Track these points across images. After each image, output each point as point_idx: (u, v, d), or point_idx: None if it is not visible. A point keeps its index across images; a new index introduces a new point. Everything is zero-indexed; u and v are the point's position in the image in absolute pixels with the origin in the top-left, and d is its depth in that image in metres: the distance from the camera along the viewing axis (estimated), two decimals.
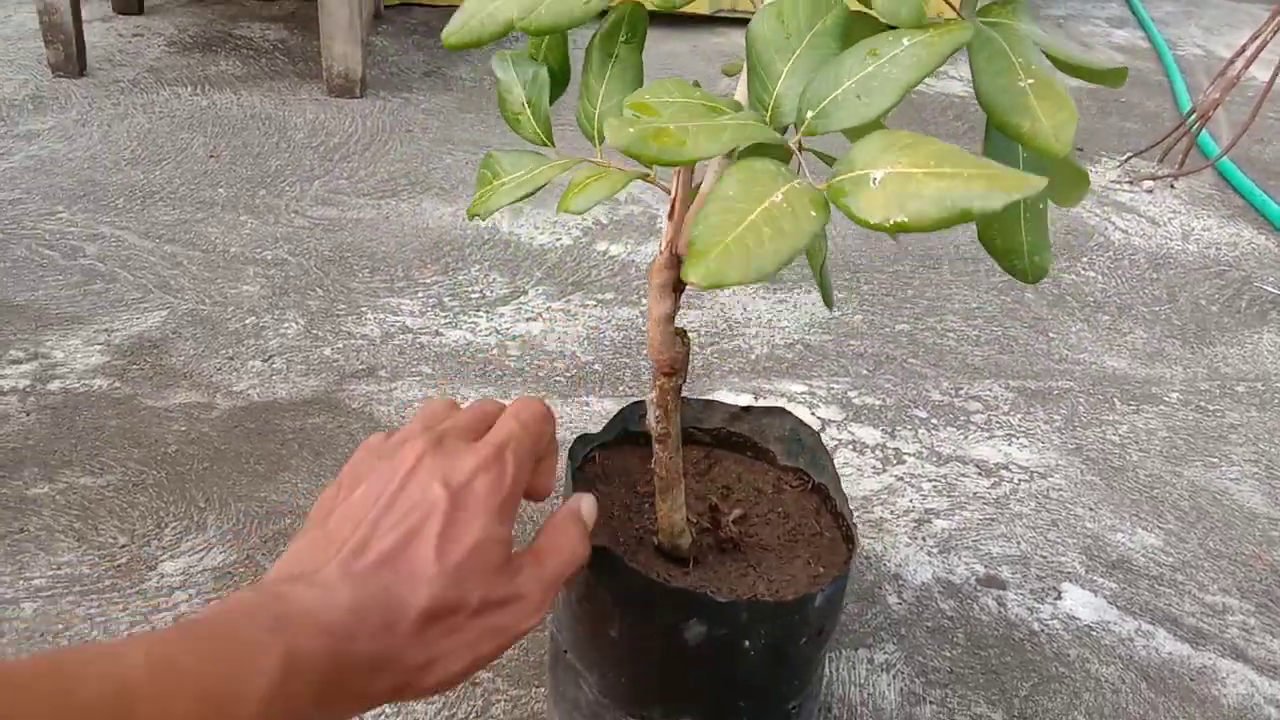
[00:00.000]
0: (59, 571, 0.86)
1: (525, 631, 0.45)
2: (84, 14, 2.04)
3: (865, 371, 1.23)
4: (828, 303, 0.62)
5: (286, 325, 1.22)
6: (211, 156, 1.64)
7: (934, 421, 1.15)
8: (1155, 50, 2.73)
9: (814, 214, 0.42)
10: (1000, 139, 0.46)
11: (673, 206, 0.52)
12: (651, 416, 0.59)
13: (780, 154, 0.52)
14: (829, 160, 0.51)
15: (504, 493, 0.44)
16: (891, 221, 0.40)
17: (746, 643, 0.58)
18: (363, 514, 0.42)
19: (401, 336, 1.21)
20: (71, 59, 1.88)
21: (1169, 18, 3.12)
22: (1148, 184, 1.87)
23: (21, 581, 0.85)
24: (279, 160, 1.64)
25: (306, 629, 0.36)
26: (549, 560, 0.47)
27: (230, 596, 0.38)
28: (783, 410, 0.72)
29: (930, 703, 0.80)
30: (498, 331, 1.24)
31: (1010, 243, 0.49)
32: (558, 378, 1.16)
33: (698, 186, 0.53)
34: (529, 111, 0.59)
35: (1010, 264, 0.49)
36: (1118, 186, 1.84)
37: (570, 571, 0.49)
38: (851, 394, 1.18)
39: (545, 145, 0.59)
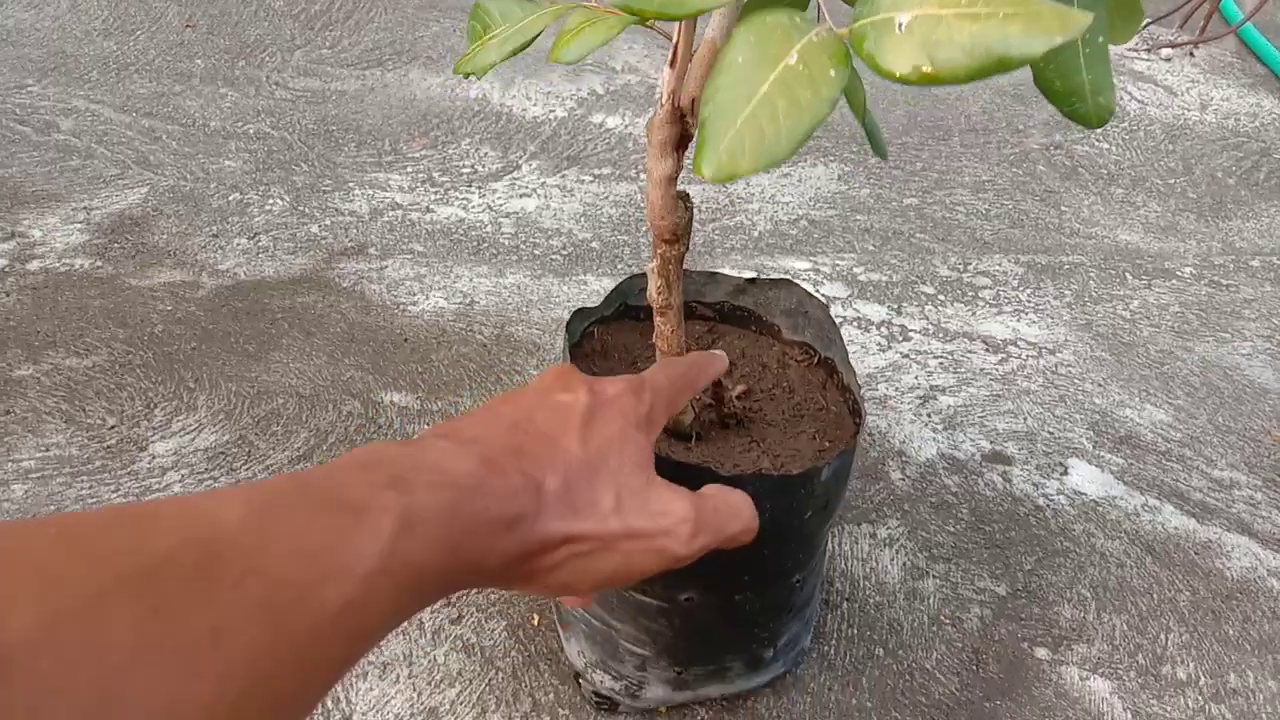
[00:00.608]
0: (48, 453, 0.84)
1: (670, 554, 0.40)
2: None
3: (872, 247, 1.19)
4: (879, 152, 0.58)
5: (271, 201, 1.17)
6: (187, 26, 1.56)
7: (941, 298, 1.12)
8: None
9: (833, 73, 0.37)
10: None
11: (674, 53, 0.48)
12: (653, 287, 0.56)
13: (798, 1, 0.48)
14: None
15: (645, 409, 0.43)
16: (920, 72, 0.36)
17: None
18: (506, 410, 0.41)
19: (391, 213, 1.17)
20: None
21: None
22: (1166, 51, 1.79)
23: (10, 464, 0.83)
24: (258, 29, 1.56)
25: (429, 483, 0.33)
26: (712, 502, 0.42)
27: (360, 447, 0.35)
28: (789, 282, 0.69)
29: (933, 576, 0.80)
30: (491, 208, 1.20)
31: (1070, 83, 0.45)
32: (554, 256, 1.13)
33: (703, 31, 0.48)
34: None
35: (1071, 107, 0.45)
36: (1134, 54, 1.77)
37: (734, 529, 0.43)
38: (857, 270, 1.15)
39: None
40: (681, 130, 0.49)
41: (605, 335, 0.68)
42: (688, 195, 0.53)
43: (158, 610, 0.24)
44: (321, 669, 0.28)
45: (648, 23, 0.49)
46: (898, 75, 0.36)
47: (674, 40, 0.47)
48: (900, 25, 0.37)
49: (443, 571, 0.32)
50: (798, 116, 0.37)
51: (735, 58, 0.39)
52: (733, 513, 0.43)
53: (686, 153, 0.51)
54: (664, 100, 0.48)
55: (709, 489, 0.43)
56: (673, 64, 0.48)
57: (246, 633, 0.25)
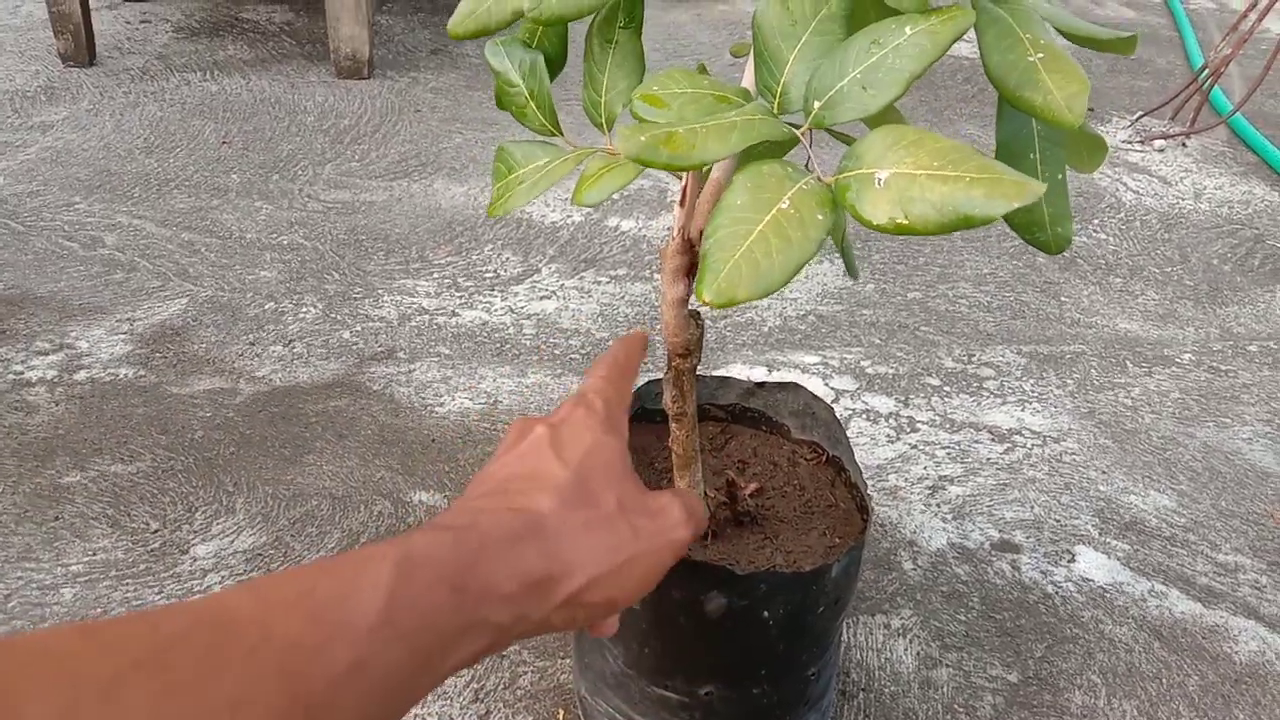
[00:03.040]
0: (94, 557, 0.89)
1: (680, 542, 0.42)
2: (91, 1, 2.05)
3: (878, 341, 1.24)
4: (851, 273, 0.63)
5: (305, 309, 1.23)
6: (224, 143, 1.65)
7: (947, 389, 1.16)
8: (1167, 5, 2.69)
9: (820, 217, 0.43)
10: (1012, 112, 0.47)
11: (684, 193, 0.53)
12: (668, 396, 0.61)
13: (790, 144, 0.53)
14: (845, 139, 0.52)
15: (601, 415, 0.44)
16: (895, 223, 0.41)
17: (765, 613, 0.60)
18: (481, 478, 0.42)
19: (418, 318, 1.23)
20: (81, 48, 1.89)
21: None
22: (1159, 143, 1.86)
23: (60, 567, 0.88)
24: (291, 144, 1.65)
25: (419, 533, 0.33)
26: (684, 497, 0.45)
27: None
28: (796, 385, 0.74)
29: (946, 665, 0.82)
30: (512, 310, 1.25)
31: (1032, 215, 0.50)
32: (573, 355, 1.18)
33: (708, 170, 0.54)
34: (532, 104, 0.59)
35: (1033, 236, 0.50)
36: (1129, 146, 1.83)
37: (703, 517, 0.46)
38: (865, 363, 1.19)
39: (553, 134, 0.59)
40: (691, 259, 0.54)
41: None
42: (699, 314, 0.58)
43: (172, 689, 0.24)
44: None
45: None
46: (875, 224, 0.42)
47: (683, 183, 0.53)
48: (879, 180, 0.42)
49: (454, 612, 0.32)
50: (789, 252, 0.42)
51: (735, 200, 0.44)
52: (697, 503, 0.46)
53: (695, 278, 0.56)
54: (675, 234, 0.54)
55: (671, 490, 0.46)
56: (682, 203, 0.53)
57: (263, 702, 0.26)
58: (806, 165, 0.45)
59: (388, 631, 0.29)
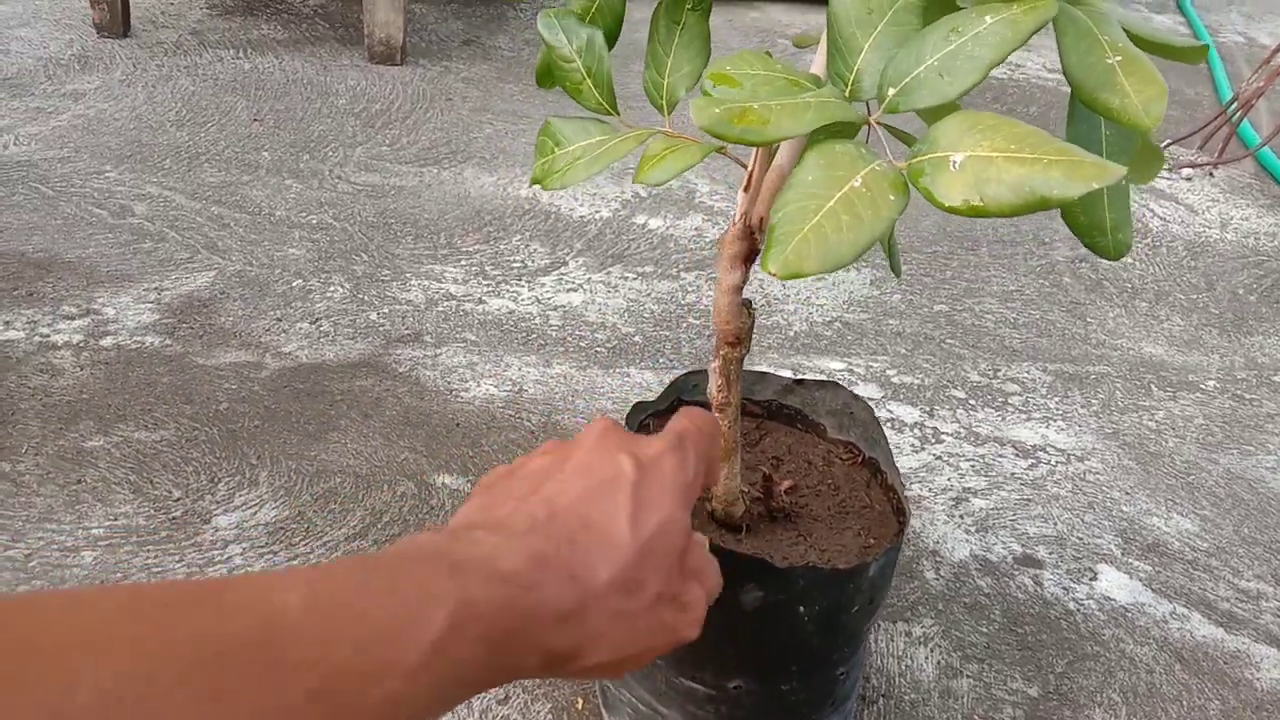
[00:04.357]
0: (116, 522, 0.88)
1: (684, 640, 0.42)
2: None
3: (904, 351, 1.24)
4: (895, 271, 0.63)
5: (333, 289, 1.23)
6: (255, 120, 1.65)
7: (972, 402, 1.16)
8: (1195, 36, 2.70)
9: (893, 198, 0.42)
10: (1084, 116, 0.47)
11: (749, 178, 0.53)
12: (713, 385, 0.60)
13: (858, 130, 0.53)
14: (905, 139, 0.52)
15: (687, 477, 0.43)
16: (969, 205, 0.40)
17: (801, 609, 0.59)
18: (546, 474, 0.41)
19: (445, 303, 1.23)
20: (116, 19, 1.89)
21: (1210, 3, 3.08)
22: (1187, 172, 1.86)
23: (81, 530, 0.87)
24: (322, 126, 1.65)
25: (482, 576, 0.33)
26: (706, 580, 0.45)
27: (410, 538, 0.35)
28: (835, 384, 0.73)
29: (967, 676, 0.82)
30: (539, 301, 1.25)
31: (1094, 219, 0.50)
32: (598, 348, 1.17)
33: (774, 157, 0.53)
34: (589, 81, 0.59)
35: (1093, 240, 0.50)
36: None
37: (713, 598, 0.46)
38: (890, 372, 1.19)
39: (610, 114, 0.59)
40: (750, 246, 0.54)
41: (661, 428, 0.72)
42: (751, 303, 0.58)
43: (217, 695, 0.25)
44: None
45: (724, 149, 0.54)
46: (948, 206, 0.41)
47: (749, 168, 0.53)
48: (955, 163, 0.42)
49: (485, 667, 0.33)
50: (859, 229, 0.42)
51: (805, 176, 0.44)
52: (716, 586, 0.46)
53: (752, 266, 0.56)
54: (737, 218, 0.53)
55: (694, 557, 0.44)
56: (746, 188, 0.53)
57: (300, 718, 0.27)
58: (877, 152, 0.45)
59: (426, 676, 0.30)
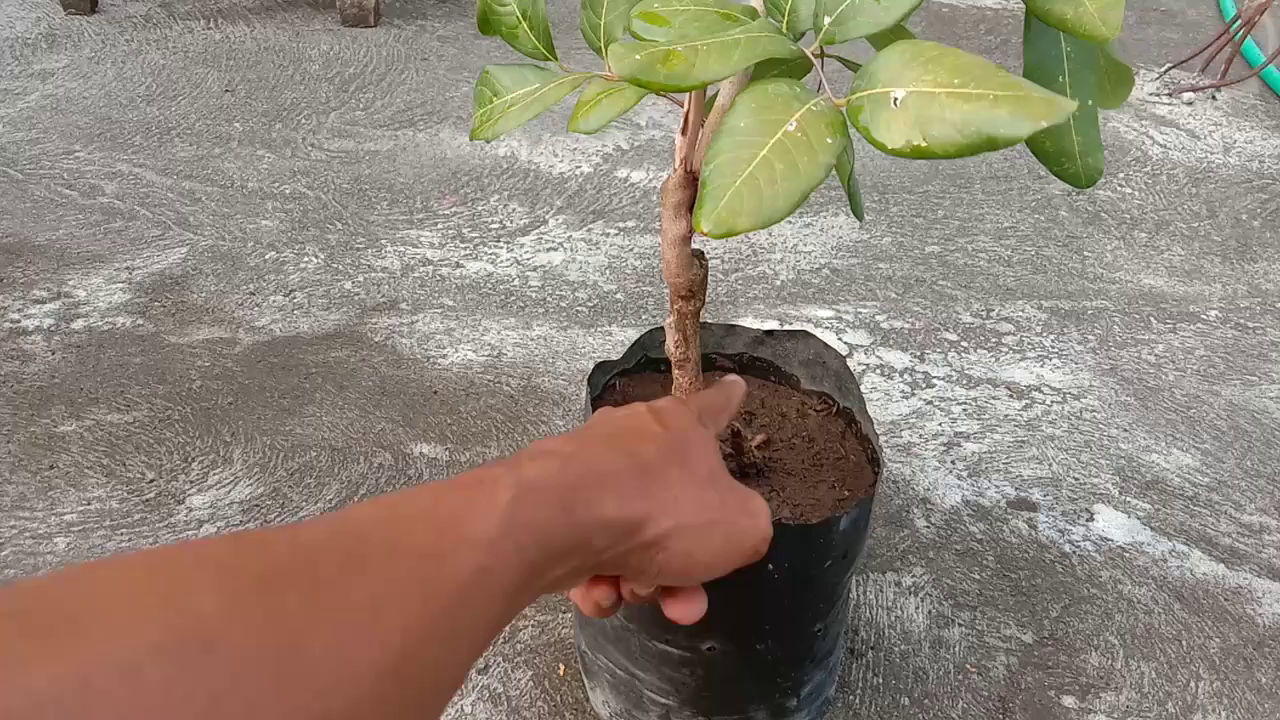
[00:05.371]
0: (89, 507, 0.87)
1: (761, 530, 0.42)
2: None
3: (894, 295, 1.20)
4: (858, 214, 0.60)
5: (306, 259, 1.21)
6: (227, 91, 1.62)
7: (964, 344, 1.13)
8: None
9: (830, 140, 0.39)
10: (1040, 32, 0.44)
11: (685, 121, 0.50)
12: (670, 341, 0.58)
13: (799, 67, 0.50)
14: (854, 67, 0.49)
15: (694, 412, 0.46)
16: (912, 145, 0.37)
17: (770, 566, 0.57)
18: (582, 429, 0.44)
19: (422, 269, 1.20)
20: None
21: None
22: (1188, 95, 1.80)
23: (54, 516, 0.86)
24: (294, 93, 1.62)
25: (529, 455, 0.37)
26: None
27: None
28: (806, 334, 0.71)
29: (959, 625, 0.80)
30: (518, 262, 1.22)
31: (1060, 144, 0.47)
32: (579, 307, 1.15)
33: (714, 97, 0.50)
34: (525, 24, 0.56)
35: (1061, 168, 0.47)
36: (1156, 99, 1.78)
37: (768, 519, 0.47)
38: (880, 318, 1.16)
39: (547, 59, 0.56)
40: (694, 193, 0.51)
41: (627, 387, 0.70)
42: (702, 254, 0.55)
43: (321, 585, 0.27)
44: (461, 637, 0.30)
45: (661, 91, 0.51)
46: (890, 148, 0.38)
47: (684, 109, 0.50)
48: (895, 100, 0.39)
49: (563, 529, 0.35)
50: (794, 179, 0.39)
51: (737, 122, 0.41)
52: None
53: None
54: (677, 165, 0.51)
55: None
56: (684, 131, 0.50)
57: (400, 602, 0.28)
58: (819, 88, 0.42)
59: (506, 544, 0.32)
